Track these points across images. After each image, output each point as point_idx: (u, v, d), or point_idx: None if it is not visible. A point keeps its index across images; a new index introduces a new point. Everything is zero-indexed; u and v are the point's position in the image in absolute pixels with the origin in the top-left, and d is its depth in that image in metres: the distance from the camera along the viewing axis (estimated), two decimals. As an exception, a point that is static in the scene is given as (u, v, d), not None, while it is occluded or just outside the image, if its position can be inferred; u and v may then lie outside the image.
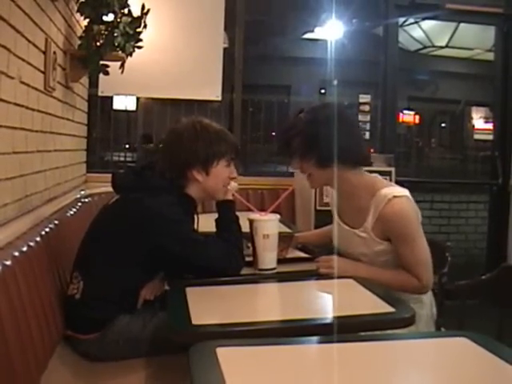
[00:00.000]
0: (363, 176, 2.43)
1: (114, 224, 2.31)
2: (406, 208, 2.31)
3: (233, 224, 2.39)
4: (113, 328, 2.24)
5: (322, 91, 9.90)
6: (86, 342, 2.24)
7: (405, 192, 2.34)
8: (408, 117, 10.10)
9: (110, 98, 5.11)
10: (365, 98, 5.32)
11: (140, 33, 3.46)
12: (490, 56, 6.34)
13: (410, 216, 2.31)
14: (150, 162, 2.47)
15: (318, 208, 4.30)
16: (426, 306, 2.45)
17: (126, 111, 6.10)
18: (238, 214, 2.43)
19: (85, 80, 4.17)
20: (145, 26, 3.47)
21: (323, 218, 4.20)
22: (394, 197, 2.30)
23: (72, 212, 3.02)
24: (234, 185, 2.50)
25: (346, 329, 1.75)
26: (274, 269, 2.30)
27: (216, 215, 2.47)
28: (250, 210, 2.46)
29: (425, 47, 12.20)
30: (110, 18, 3.31)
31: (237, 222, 2.40)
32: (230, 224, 2.39)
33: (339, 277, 2.22)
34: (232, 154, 2.43)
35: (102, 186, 3.56)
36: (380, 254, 2.38)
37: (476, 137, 11.47)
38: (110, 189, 2.46)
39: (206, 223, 2.47)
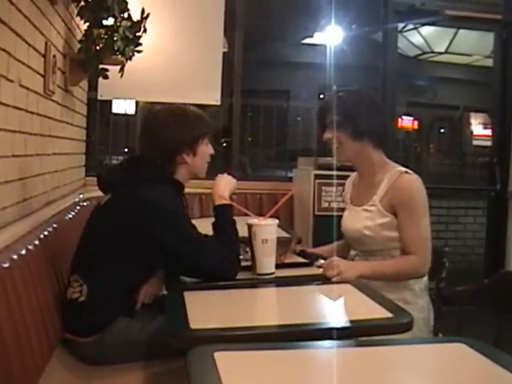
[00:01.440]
0: (382, 157, 2.63)
1: (111, 222, 2.31)
2: (415, 183, 2.51)
3: (230, 227, 2.40)
4: (111, 331, 2.25)
5: (321, 96, 9.92)
6: (84, 345, 2.24)
7: (416, 175, 2.55)
8: (407, 122, 10.13)
9: (110, 102, 5.12)
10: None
11: (140, 37, 3.47)
12: (489, 62, 6.35)
13: (418, 191, 2.50)
14: (132, 156, 2.56)
15: (317, 213, 4.31)
16: (422, 310, 2.46)
17: (125, 115, 6.10)
18: (236, 218, 2.44)
19: (84, 84, 4.18)
20: (144, 31, 3.47)
21: (322, 223, 4.23)
22: (406, 172, 2.53)
23: (71, 215, 3.02)
24: None
25: (344, 334, 1.74)
26: (272, 273, 2.30)
27: (202, 221, 2.50)
28: (247, 215, 2.46)
29: (424, 53, 12.21)
30: (109, 22, 3.31)
31: (233, 225, 2.41)
32: (226, 227, 2.40)
33: (338, 282, 2.23)
34: (211, 133, 2.53)
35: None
36: (383, 227, 2.50)
37: (474, 143, 11.48)
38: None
39: (206, 227, 2.48)
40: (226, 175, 2.55)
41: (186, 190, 2.52)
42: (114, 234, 2.27)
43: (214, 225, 2.42)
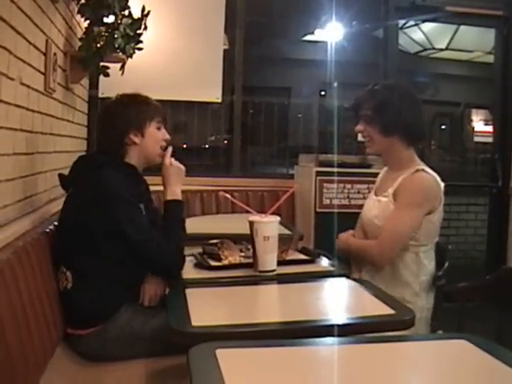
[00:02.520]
0: (412, 155, 2.63)
1: (72, 212, 2.39)
2: (421, 180, 2.53)
3: (177, 224, 2.45)
4: (114, 323, 2.28)
5: (323, 93, 9.91)
6: (86, 338, 2.26)
7: (436, 176, 2.55)
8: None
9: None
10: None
11: (140, 34, 3.46)
12: (490, 58, 6.34)
13: (420, 188, 2.52)
14: (90, 152, 2.62)
15: (318, 210, 4.30)
16: (420, 310, 2.46)
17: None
18: (237, 215, 2.44)
19: (85, 81, 4.17)
20: (145, 28, 3.47)
21: (323, 220, 4.23)
22: (423, 170, 2.54)
23: (72, 213, 3.02)
24: (169, 148, 2.59)
25: (346, 331, 1.75)
26: (274, 270, 2.30)
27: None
28: (249, 212, 2.46)
29: (425, 49, 12.19)
30: (110, 19, 3.31)
31: (182, 223, 2.48)
32: (174, 224, 2.45)
33: (340, 275, 2.25)
34: (160, 117, 2.57)
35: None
36: None
37: (476, 139, 11.46)
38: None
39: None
40: (174, 164, 2.57)
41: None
42: (79, 222, 2.32)
43: (162, 219, 2.47)
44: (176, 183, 2.53)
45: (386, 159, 2.73)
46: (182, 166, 2.58)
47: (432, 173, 2.55)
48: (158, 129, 2.55)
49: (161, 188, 2.57)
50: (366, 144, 2.67)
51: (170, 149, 2.58)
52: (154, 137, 2.53)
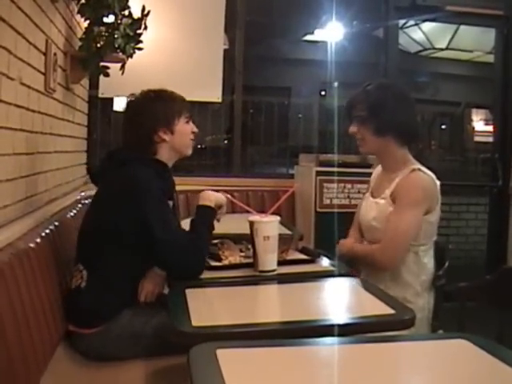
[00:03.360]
0: (407, 155, 2.63)
1: (101, 208, 2.39)
2: (419, 180, 2.52)
3: (205, 229, 2.41)
4: (116, 322, 2.28)
5: (323, 93, 9.92)
6: (88, 336, 2.27)
7: (432, 175, 2.54)
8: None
9: (111, 100, 5.11)
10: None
11: (140, 34, 3.46)
12: (490, 58, 6.34)
13: (418, 187, 2.50)
14: (117, 147, 2.66)
15: (319, 210, 4.31)
16: (421, 310, 2.46)
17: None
18: (238, 215, 2.44)
19: (85, 81, 4.17)
20: (145, 28, 3.47)
21: (323, 219, 4.23)
22: (419, 169, 2.53)
23: (72, 213, 3.02)
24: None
25: (347, 330, 1.75)
26: (274, 270, 2.30)
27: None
28: (249, 211, 2.46)
29: (425, 49, 12.21)
30: (110, 19, 3.31)
31: (209, 229, 2.43)
32: (201, 228, 2.41)
33: (340, 275, 2.25)
34: (187, 111, 2.58)
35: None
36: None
37: (476, 139, 11.48)
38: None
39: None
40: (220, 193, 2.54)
41: (187, 188, 2.53)
42: (104, 219, 2.32)
43: (191, 222, 2.44)
44: (213, 196, 2.49)
45: (380, 159, 2.73)
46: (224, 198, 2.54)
47: (428, 172, 2.55)
48: (187, 122, 2.55)
49: (186, 187, 2.57)
50: (359, 144, 2.66)
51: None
52: (184, 132, 2.53)
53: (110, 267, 2.31)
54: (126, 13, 3.37)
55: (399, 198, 2.48)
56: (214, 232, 2.45)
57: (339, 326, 1.74)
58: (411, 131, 2.63)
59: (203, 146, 6.53)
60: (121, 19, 3.32)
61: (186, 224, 2.95)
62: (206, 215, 2.44)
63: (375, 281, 2.43)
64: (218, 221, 2.51)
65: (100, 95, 4.55)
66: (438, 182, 2.54)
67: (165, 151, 2.49)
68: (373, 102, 2.56)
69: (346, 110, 2.71)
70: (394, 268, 2.50)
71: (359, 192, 4.26)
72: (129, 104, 2.59)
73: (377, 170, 2.82)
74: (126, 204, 2.27)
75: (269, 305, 2.17)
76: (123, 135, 2.55)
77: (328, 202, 4.31)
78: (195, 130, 2.59)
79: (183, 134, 2.53)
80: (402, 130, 2.57)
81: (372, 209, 2.62)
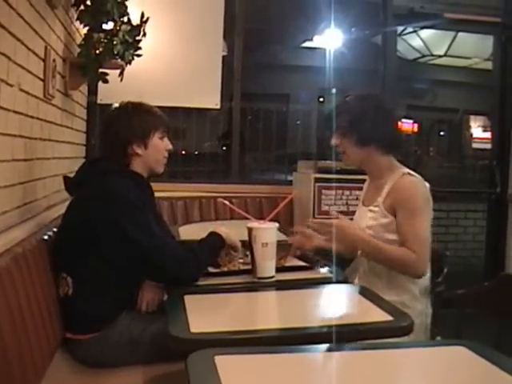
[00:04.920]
0: (392, 161, 2.63)
1: (78, 217, 2.35)
2: (414, 184, 2.52)
3: (208, 251, 2.40)
4: (114, 328, 2.28)
5: (321, 100, 9.93)
6: (86, 343, 2.26)
7: (420, 177, 2.55)
8: (406, 125, 10.13)
9: (109, 106, 5.11)
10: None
11: (139, 41, 3.47)
12: (488, 65, 6.36)
13: (416, 192, 2.50)
14: (93, 157, 2.56)
15: (317, 217, 4.30)
16: (419, 315, 2.45)
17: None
18: (236, 222, 2.45)
19: (84, 88, 4.18)
20: (144, 34, 3.47)
21: (322, 226, 4.21)
22: (409, 173, 2.55)
23: (71, 219, 3.02)
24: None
25: (345, 337, 1.74)
26: (272, 277, 2.30)
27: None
28: (247, 218, 2.46)
29: (423, 56, 12.24)
30: (109, 26, 3.31)
31: (212, 254, 2.42)
32: (205, 248, 2.40)
33: (338, 282, 2.24)
34: (164, 128, 2.56)
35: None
36: (384, 226, 2.52)
37: (474, 146, 11.51)
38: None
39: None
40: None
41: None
42: (83, 230, 2.29)
43: (198, 242, 2.44)
44: (230, 237, 2.47)
45: (365, 169, 2.72)
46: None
47: (418, 176, 2.55)
48: (161, 139, 2.54)
49: (184, 194, 2.55)
50: (342, 156, 2.67)
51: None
52: (157, 148, 2.52)
53: (92, 273, 2.29)
54: (125, 19, 3.37)
55: (404, 207, 2.47)
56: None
57: (337, 332, 1.73)
58: (393, 141, 2.64)
59: (204, 152, 6.53)
60: (120, 26, 3.32)
61: (184, 230, 2.96)
62: (213, 240, 2.44)
63: (371, 285, 2.43)
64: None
65: (99, 101, 4.55)
66: (427, 184, 2.55)
67: (138, 165, 2.49)
68: (353, 114, 2.57)
69: (326, 122, 2.73)
70: (424, 274, 2.49)
71: (357, 199, 4.23)
72: (106, 114, 2.63)
73: (367, 181, 2.82)
74: (103, 214, 2.26)
75: (267, 311, 2.17)
76: (100, 144, 2.56)
77: (326, 208, 4.31)
78: (169, 147, 2.58)
79: (156, 150, 2.51)
80: (383, 140, 2.58)
81: (365, 217, 2.61)
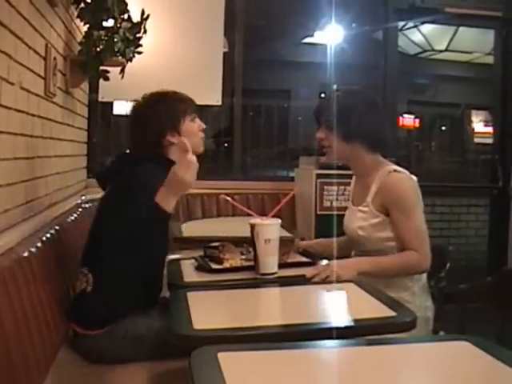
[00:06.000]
0: (377, 158, 2.60)
1: (108, 207, 2.35)
2: (402, 181, 2.50)
3: None
4: (120, 324, 2.28)
5: (322, 95, 9.91)
6: (92, 338, 2.26)
7: (407, 172, 2.54)
8: (408, 121, 10.11)
9: (111, 104, 5.11)
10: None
11: (140, 38, 3.47)
12: (490, 59, 6.34)
13: (406, 189, 2.48)
14: (124, 152, 2.61)
15: (319, 212, 4.31)
16: (419, 310, 2.44)
17: (126, 116, 6.09)
18: (238, 218, 2.44)
19: (85, 85, 4.18)
20: (145, 32, 3.47)
21: (324, 222, 4.23)
22: (395, 171, 2.52)
23: (73, 217, 3.03)
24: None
25: (348, 333, 1.75)
26: (275, 273, 2.30)
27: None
28: (250, 215, 2.46)
29: (424, 51, 12.21)
30: (109, 23, 3.31)
31: None
32: None
33: (341, 281, 2.23)
34: (193, 109, 2.55)
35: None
36: (376, 226, 2.51)
37: (476, 140, 11.47)
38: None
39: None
40: (191, 171, 2.16)
41: (189, 191, 2.47)
42: (108, 222, 2.29)
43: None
44: (178, 194, 2.21)
45: (350, 166, 2.71)
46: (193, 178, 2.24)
47: (405, 171, 2.54)
48: (193, 120, 2.52)
49: None
50: (325, 151, 2.65)
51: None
52: (191, 131, 2.50)
53: (115, 271, 2.27)
54: (126, 17, 3.37)
55: (397, 206, 2.46)
56: (215, 235, 2.45)
57: (340, 328, 1.73)
58: (380, 138, 2.61)
59: (206, 149, 6.52)
60: (120, 23, 3.32)
61: (186, 227, 2.96)
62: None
63: (371, 281, 2.44)
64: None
65: (100, 99, 4.55)
66: (414, 178, 2.55)
67: (175, 152, 2.42)
68: (342, 108, 2.53)
69: (315, 115, 2.71)
70: (428, 270, 2.49)
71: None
72: (132, 110, 2.55)
73: (353, 179, 2.81)
74: (123, 204, 2.22)
75: (270, 308, 2.17)
76: (131, 142, 2.53)
77: (328, 204, 4.31)
78: (203, 126, 2.57)
79: (191, 134, 2.47)
80: (370, 136, 2.55)
81: (356, 217, 2.59)
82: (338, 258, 2.49)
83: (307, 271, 2.29)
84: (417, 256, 2.42)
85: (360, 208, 2.58)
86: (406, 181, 2.51)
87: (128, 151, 2.57)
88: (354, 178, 2.80)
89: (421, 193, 2.53)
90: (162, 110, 2.46)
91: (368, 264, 2.43)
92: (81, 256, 2.41)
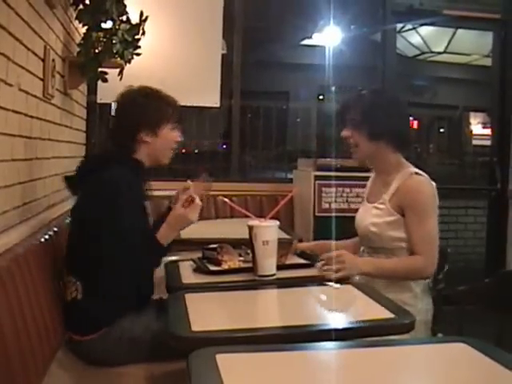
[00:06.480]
0: (400, 159, 2.62)
1: (83, 212, 2.35)
2: (423, 184, 2.52)
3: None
4: (116, 327, 2.26)
5: (321, 97, 9.92)
6: (88, 342, 2.25)
7: (427, 176, 2.54)
8: (406, 122, 10.11)
9: (109, 105, 5.11)
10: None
11: (138, 40, 3.47)
12: (488, 61, 6.36)
13: (425, 192, 2.50)
14: (92, 154, 2.53)
15: (317, 214, 4.31)
16: (420, 313, 2.45)
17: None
18: (236, 220, 2.44)
19: (83, 87, 4.17)
20: (143, 33, 3.47)
21: (322, 224, 4.23)
22: (416, 173, 2.53)
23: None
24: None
25: (346, 335, 1.75)
26: (273, 275, 2.30)
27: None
28: (248, 216, 2.46)
29: (423, 53, 12.24)
30: (108, 25, 3.31)
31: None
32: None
33: (340, 281, 2.24)
34: (178, 119, 2.53)
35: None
36: (390, 225, 2.52)
37: (474, 142, 11.50)
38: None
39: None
40: (194, 212, 2.36)
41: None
42: (94, 230, 2.27)
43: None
44: (177, 230, 2.41)
45: (373, 165, 2.73)
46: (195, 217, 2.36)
47: (425, 175, 2.55)
48: (173, 129, 2.51)
49: (164, 192, 2.51)
50: (352, 150, 2.65)
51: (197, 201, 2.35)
52: (168, 138, 2.49)
53: (105, 278, 2.25)
54: (124, 18, 3.37)
55: (413, 208, 2.47)
56: (213, 237, 2.45)
57: (339, 330, 1.74)
58: (404, 137, 2.64)
59: (204, 151, 6.52)
60: (119, 25, 3.32)
61: (184, 229, 2.91)
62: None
63: (373, 284, 2.44)
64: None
65: (98, 101, 4.55)
66: (434, 183, 2.55)
67: (144, 153, 2.44)
68: (368, 106, 2.57)
69: (340, 114, 2.71)
70: (432, 275, 2.50)
71: (358, 196, 4.26)
72: (123, 94, 2.54)
73: (372, 177, 2.81)
74: (102, 210, 2.24)
75: (268, 309, 2.17)
76: (111, 125, 2.52)
77: (327, 206, 4.31)
78: (179, 139, 2.54)
79: (166, 140, 2.48)
80: (395, 135, 2.57)
81: (370, 214, 2.60)
82: None
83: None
84: (422, 261, 2.43)
85: (375, 205, 2.59)
86: (425, 185, 2.52)
87: (92, 155, 2.54)
88: (372, 175, 2.81)
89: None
90: (150, 105, 2.45)
91: (372, 265, 2.45)
92: (65, 264, 2.38)
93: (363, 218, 2.65)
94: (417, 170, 2.55)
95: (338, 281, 2.27)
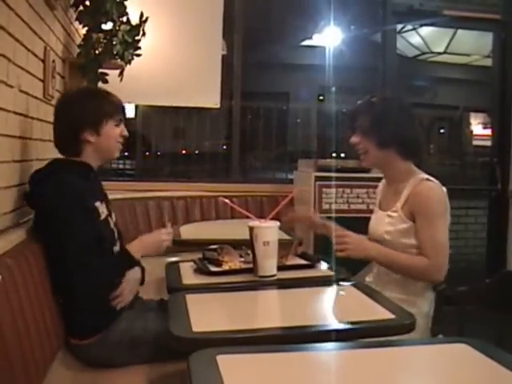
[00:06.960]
0: (410, 166, 2.60)
1: (56, 237, 2.27)
2: (433, 190, 2.50)
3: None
4: (115, 328, 2.27)
5: (321, 98, 9.92)
6: (88, 345, 2.24)
7: (438, 182, 2.53)
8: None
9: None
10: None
11: (139, 41, 3.47)
12: (488, 62, 6.35)
13: (435, 197, 2.48)
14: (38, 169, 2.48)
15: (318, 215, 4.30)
16: (422, 316, 2.45)
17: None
18: (237, 221, 2.44)
19: (84, 88, 4.18)
20: (143, 34, 3.47)
21: (322, 224, 4.21)
22: (427, 179, 2.52)
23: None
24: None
25: (347, 336, 1.75)
26: (274, 275, 2.30)
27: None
28: (248, 217, 2.46)
29: (423, 53, 12.22)
30: (108, 26, 3.31)
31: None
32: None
33: (340, 280, 2.24)
34: (119, 115, 2.50)
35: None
36: (403, 232, 2.50)
37: (475, 143, 11.48)
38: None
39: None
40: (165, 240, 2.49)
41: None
42: (45, 239, 2.26)
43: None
44: (148, 253, 2.43)
45: (384, 173, 2.72)
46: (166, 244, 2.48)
47: (436, 181, 2.54)
48: (116, 126, 2.48)
49: (185, 193, 2.49)
50: (362, 157, 2.65)
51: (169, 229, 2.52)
52: (111, 134, 2.46)
53: (80, 289, 2.21)
54: (125, 19, 3.38)
55: (422, 213, 2.46)
56: (214, 237, 2.45)
57: (339, 331, 1.74)
58: (414, 145, 2.62)
59: (205, 152, 6.53)
60: (119, 26, 3.33)
61: (185, 230, 2.95)
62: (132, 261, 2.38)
63: (380, 282, 2.44)
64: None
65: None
66: (444, 189, 2.55)
67: (89, 152, 2.43)
68: (377, 114, 2.56)
69: (349, 120, 2.70)
70: (442, 279, 2.49)
71: (358, 197, 4.27)
72: (61, 98, 2.55)
73: (382, 183, 2.81)
74: (53, 230, 2.23)
75: (269, 310, 2.17)
76: (53, 130, 2.47)
77: (327, 207, 4.31)
78: (125, 133, 2.52)
79: (109, 138, 2.45)
80: (404, 143, 2.56)
81: (383, 222, 2.59)
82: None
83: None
84: (427, 263, 2.42)
85: (388, 213, 2.58)
86: (436, 190, 2.50)
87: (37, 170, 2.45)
88: (382, 182, 2.81)
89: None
90: (88, 105, 2.43)
91: (377, 251, 2.49)
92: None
93: (377, 227, 2.64)
94: (427, 176, 2.54)
95: (338, 281, 2.27)
